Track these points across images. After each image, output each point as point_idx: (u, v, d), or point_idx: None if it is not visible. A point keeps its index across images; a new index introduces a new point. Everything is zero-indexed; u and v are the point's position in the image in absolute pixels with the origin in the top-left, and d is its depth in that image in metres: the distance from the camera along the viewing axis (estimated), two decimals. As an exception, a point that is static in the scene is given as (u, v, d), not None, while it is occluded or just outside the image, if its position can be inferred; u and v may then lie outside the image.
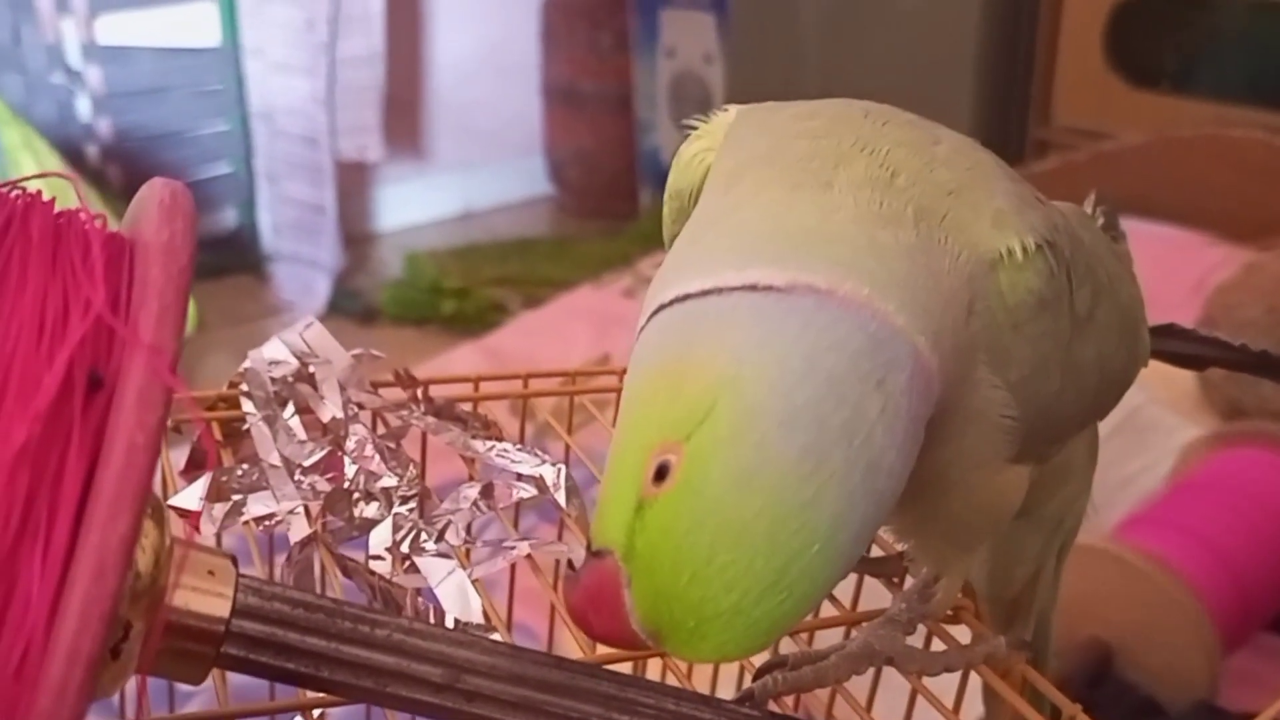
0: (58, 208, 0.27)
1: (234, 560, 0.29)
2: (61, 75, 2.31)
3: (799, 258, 0.30)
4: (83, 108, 2.33)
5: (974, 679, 0.42)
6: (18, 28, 2.25)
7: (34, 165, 2.03)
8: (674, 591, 0.28)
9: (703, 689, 0.42)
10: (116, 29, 2.34)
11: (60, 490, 0.22)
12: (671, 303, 0.31)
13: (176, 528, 0.43)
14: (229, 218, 2.60)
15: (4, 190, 0.26)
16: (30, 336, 0.22)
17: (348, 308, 2.42)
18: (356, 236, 2.69)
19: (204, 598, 0.28)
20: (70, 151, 2.23)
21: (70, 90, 2.32)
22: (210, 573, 0.28)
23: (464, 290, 2.41)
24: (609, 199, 2.76)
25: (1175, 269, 1.26)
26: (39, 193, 0.26)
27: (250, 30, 2.47)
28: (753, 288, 0.30)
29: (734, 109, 0.38)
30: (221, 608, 0.28)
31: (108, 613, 0.21)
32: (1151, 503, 1.00)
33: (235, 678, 0.36)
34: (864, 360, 0.29)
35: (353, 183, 2.66)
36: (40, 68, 2.28)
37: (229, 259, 2.54)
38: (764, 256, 0.30)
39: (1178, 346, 0.45)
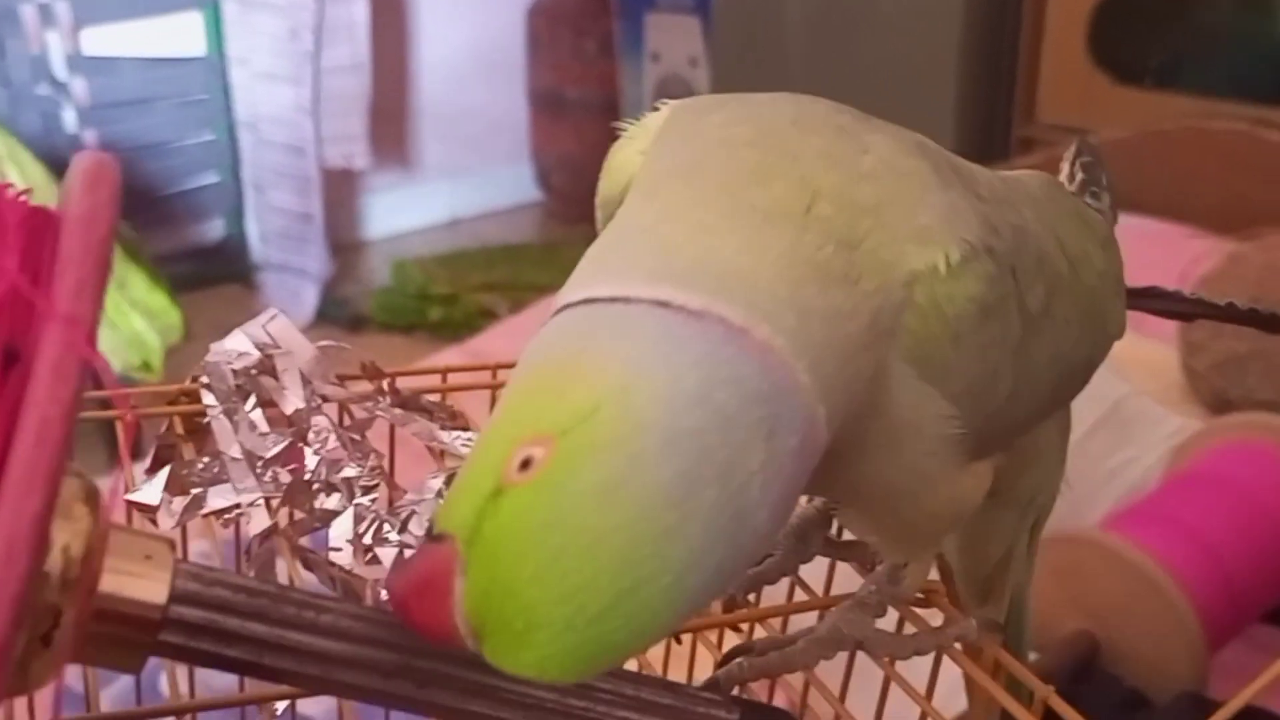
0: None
1: (172, 545, 0.28)
2: (47, 86, 2.31)
3: (719, 288, 0.29)
4: (68, 119, 2.33)
5: (950, 666, 0.41)
6: (2, 40, 2.24)
7: (18, 176, 2.02)
8: (511, 586, 0.26)
9: (679, 679, 0.41)
10: (102, 40, 2.34)
11: (-28, 467, 0.21)
12: (576, 304, 0.30)
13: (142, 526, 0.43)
14: (216, 228, 2.60)
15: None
16: (-59, 308, 0.22)
17: (336, 315, 2.41)
18: (344, 244, 2.68)
19: (139, 582, 0.27)
20: (56, 163, 2.21)
21: (56, 101, 2.32)
22: (147, 557, 0.28)
23: (452, 296, 2.41)
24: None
25: (1159, 261, 1.25)
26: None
27: (235, 40, 2.46)
28: (664, 304, 0.29)
29: (667, 107, 0.37)
30: (158, 593, 0.27)
31: (18, 595, 0.20)
32: (1141, 497, 0.99)
33: (214, 676, 0.36)
34: (759, 407, 0.28)
35: (340, 191, 2.65)
36: (25, 79, 2.28)
37: (217, 269, 2.54)
38: (681, 277, 0.29)
39: (1163, 305, 0.45)
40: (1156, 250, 1.28)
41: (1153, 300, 0.45)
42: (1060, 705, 0.36)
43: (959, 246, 0.32)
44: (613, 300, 0.29)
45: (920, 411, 0.33)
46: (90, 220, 0.23)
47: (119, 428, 0.48)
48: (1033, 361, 0.35)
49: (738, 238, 0.30)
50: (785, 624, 0.45)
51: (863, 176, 0.32)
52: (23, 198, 0.26)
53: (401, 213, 2.83)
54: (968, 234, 0.33)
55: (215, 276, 2.51)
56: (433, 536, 0.28)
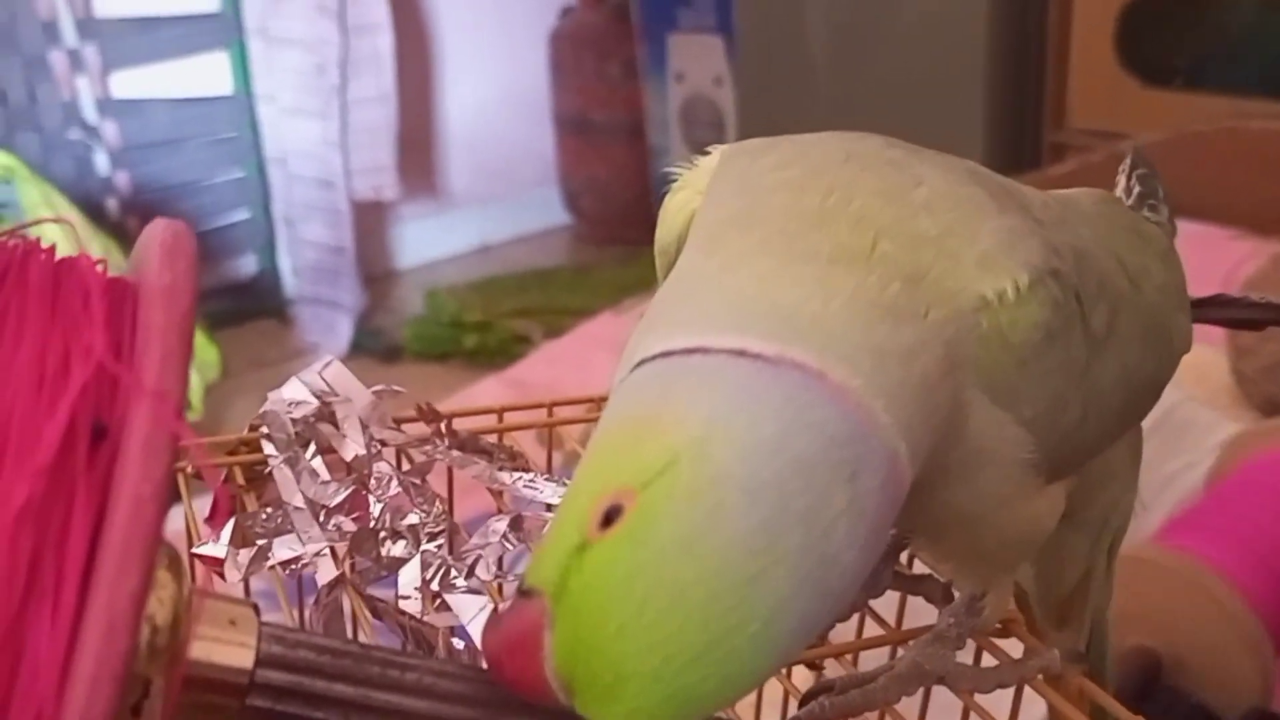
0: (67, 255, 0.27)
1: (256, 608, 0.28)
2: (78, 131, 2.33)
3: (793, 335, 0.29)
4: (100, 162, 2.35)
5: (1028, 693, 0.41)
6: (33, 86, 2.27)
7: (54, 222, 2.04)
8: (597, 641, 0.26)
9: (746, 718, 0.41)
10: (131, 83, 2.37)
11: (66, 547, 0.21)
12: (654, 358, 0.30)
13: (199, 577, 0.43)
14: (249, 264, 2.62)
15: (1, 239, 0.25)
16: (30, 387, 0.21)
17: (371, 346, 2.42)
18: (376, 275, 2.70)
19: (226, 648, 0.27)
20: (90, 206, 2.24)
21: (88, 145, 2.34)
22: (232, 622, 0.27)
23: (485, 323, 2.42)
24: (625, 226, 2.76)
25: (1202, 265, 1.23)
26: (37, 240, 0.25)
27: (262, 77, 2.49)
28: (740, 353, 0.29)
29: (718, 152, 0.37)
30: (244, 658, 0.27)
31: (119, 674, 0.20)
32: (1191, 505, 0.97)
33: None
34: (840, 450, 0.28)
35: (370, 222, 2.67)
36: (57, 125, 2.30)
37: (251, 304, 2.56)
38: (757, 326, 0.29)
39: (1230, 314, 0.44)
40: (1199, 253, 1.27)
41: (1218, 309, 0.44)
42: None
43: (1026, 270, 0.32)
44: (689, 352, 0.29)
45: (994, 438, 0.33)
46: (172, 292, 0.23)
47: (180, 479, 0.48)
48: (1100, 383, 0.35)
49: (805, 284, 0.30)
50: (856, 659, 0.44)
51: (919, 209, 0.32)
52: (100, 267, 0.26)
53: (432, 242, 2.84)
54: (1031, 257, 0.32)
55: (250, 312, 2.53)
56: (522, 592, 0.28)
